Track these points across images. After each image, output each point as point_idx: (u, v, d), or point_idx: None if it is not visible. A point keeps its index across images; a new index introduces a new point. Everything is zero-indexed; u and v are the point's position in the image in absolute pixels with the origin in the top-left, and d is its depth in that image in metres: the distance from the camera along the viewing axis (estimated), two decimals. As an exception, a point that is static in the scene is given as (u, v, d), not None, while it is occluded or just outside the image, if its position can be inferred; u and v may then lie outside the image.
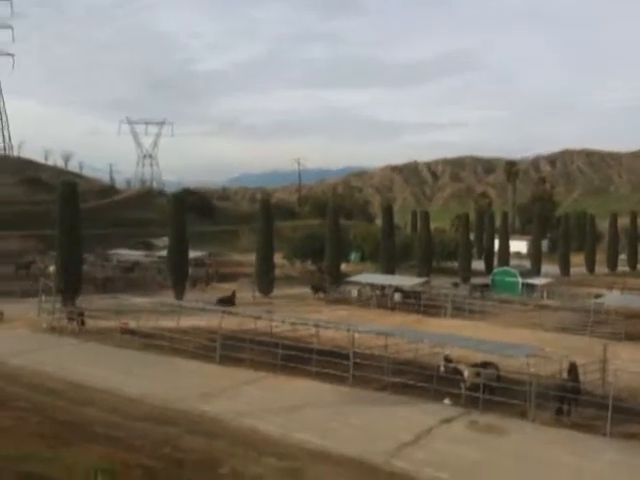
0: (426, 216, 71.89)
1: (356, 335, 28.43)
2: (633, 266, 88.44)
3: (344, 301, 51.31)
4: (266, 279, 53.01)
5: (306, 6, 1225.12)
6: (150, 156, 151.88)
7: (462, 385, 24.55)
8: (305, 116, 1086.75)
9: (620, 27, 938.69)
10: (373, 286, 52.93)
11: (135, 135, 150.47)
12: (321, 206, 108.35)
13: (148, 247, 76.60)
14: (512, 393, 23.53)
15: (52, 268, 47.52)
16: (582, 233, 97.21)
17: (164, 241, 65.76)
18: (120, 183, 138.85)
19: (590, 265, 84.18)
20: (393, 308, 48.41)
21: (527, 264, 77.77)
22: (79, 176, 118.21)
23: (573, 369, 23.67)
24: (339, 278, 56.60)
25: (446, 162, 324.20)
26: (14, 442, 12.83)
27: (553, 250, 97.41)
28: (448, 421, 22.10)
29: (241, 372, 28.10)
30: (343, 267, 62.55)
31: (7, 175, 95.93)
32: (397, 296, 50.27)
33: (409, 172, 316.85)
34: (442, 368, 25.17)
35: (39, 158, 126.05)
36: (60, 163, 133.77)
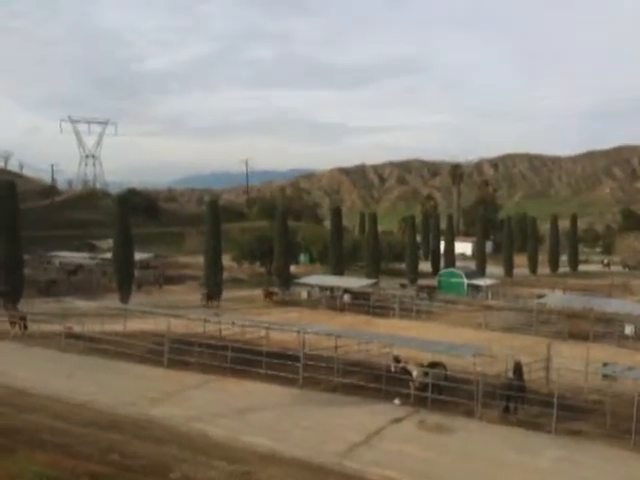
0: (374, 218, 72.48)
1: (306, 336, 28.44)
2: (574, 267, 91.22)
3: (294, 303, 51.29)
4: (214, 281, 52.49)
5: (251, 3, 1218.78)
6: (93, 156, 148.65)
7: (411, 385, 24.84)
8: (252, 117, 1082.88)
9: (560, 34, 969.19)
10: (323, 287, 53.08)
11: (77, 134, 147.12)
12: (269, 208, 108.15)
13: (92, 249, 75.02)
14: (460, 392, 23.95)
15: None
16: (524, 235, 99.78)
17: (108, 243, 64.46)
18: (62, 183, 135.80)
19: (532, 266, 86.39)
20: (342, 309, 48.67)
21: (472, 265, 79.27)
22: (19, 176, 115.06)
23: (518, 368, 24.25)
24: (288, 280, 56.53)
25: (393, 165, 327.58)
26: (-47, 452, 12.32)
27: (497, 251, 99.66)
28: (398, 421, 22.31)
29: (189, 376, 27.74)
30: (292, 269, 62.58)
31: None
32: (346, 297, 50.59)
33: (357, 175, 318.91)
34: (392, 368, 25.40)
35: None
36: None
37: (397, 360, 25.73)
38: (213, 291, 49.92)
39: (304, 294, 53.30)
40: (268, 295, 52.71)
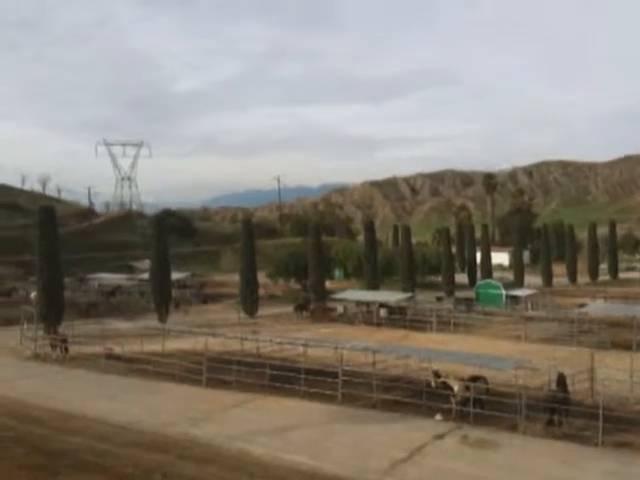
0: (407, 231, 72.08)
1: (344, 352, 28.30)
2: (614, 275, 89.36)
3: (330, 318, 51.12)
4: (250, 299, 52.76)
5: (280, 23, 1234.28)
6: (128, 178, 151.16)
7: (452, 400, 24.50)
8: (283, 134, 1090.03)
9: (589, 37, 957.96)
10: (358, 303, 52.85)
11: (113, 157, 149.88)
12: (302, 224, 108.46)
13: (130, 270, 76.07)
14: (502, 406, 23.52)
15: (33, 294, 46.90)
16: (561, 243, 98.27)
17: (146, 264, 65.34)
18: (99, 206, 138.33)
19: (572, 275, 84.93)
20: (379, 324, 48.34)
21: (509, 276, 78.22)
22: (57, 200, 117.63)
23: (561, 380, 23.73)
24: (324, 295, 56.47)
25: (425, 176, 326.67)
26: (2, 474, 12.51)
27: (534, 261, 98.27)
28: (440, 437, 21.98)
29: (228, 395, 27.80)
30: (327, 284, 62.49)
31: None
32: (382, 312, 50.26)
33: (388, 187, 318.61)
34: (432, 383, 25.09)
35: (15, 182, 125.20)
36: (37, 187, 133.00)
37: (437, 375, 25.43)
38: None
39: (340, 309, 53.11)
40: (300, 310, 52.38)
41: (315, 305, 53.33)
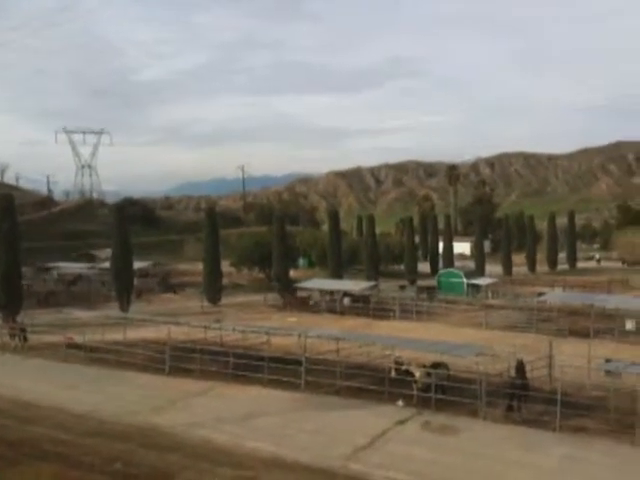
0: (371, 220, 72.45)
1: (308, 340, 28.39)
2: (572, 264, 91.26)
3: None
4: (214, 288, 52.47)
5: (249, 12, 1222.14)
6: (89, 166, 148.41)
7: (414, 386, 24.80)
8: (248, 123, 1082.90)
9: (556, 32, 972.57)
10: (322, 291, 53.00)
11: (73, 145, 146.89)
12: (267, 213, 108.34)
13: (90, 259, 74.93)
14: (463, 392, 23.92)
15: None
16: (522, 233, 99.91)
17: (107, 252, 64.43)
18: (58, 194, 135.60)
19: (531, 264, 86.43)
20: (342, 313, 48.57)
21: (471, 265, 79.27)
22: (15, 188, 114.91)
23: (521, 366, 24.20)
24: (288, 284, 56.47)
25: (389, 167, 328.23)
26: (-43, 466, 12.30)
27: (495, 250, 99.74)
28: (402, 422, 22.27)
29: (192, 383, 27.69)
30: (292, 273, 62.50)
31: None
32: (346, 300, 50.52)
33: (353, 177, 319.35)
34: (393, 373, 25.29)
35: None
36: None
37: (398, 363, 25.65)
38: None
39: (314, 299, 53.00)
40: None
41: (291, 295, 53.23)
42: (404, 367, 25.38)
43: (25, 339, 35.10)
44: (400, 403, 24.28)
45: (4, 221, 41.92)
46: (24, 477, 10.86)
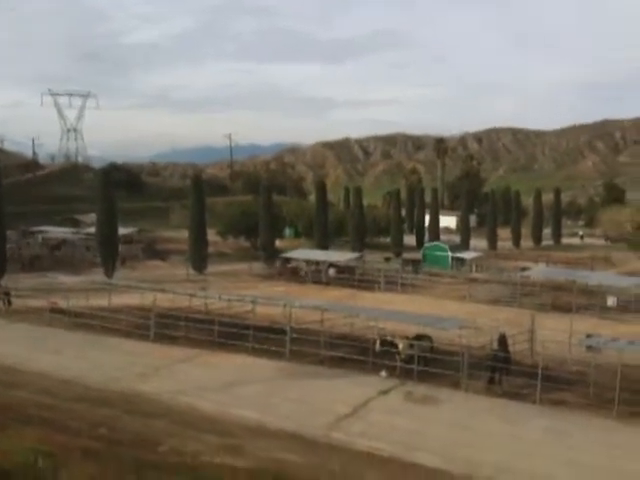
0: (358, 192, 72.36)
1: (293, 310, 28.52)
2: (557, 240, 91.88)
3: (277, 277, 51.25)
4: (199, 256, 52.38)
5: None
6: (74, 130, 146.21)
7: (397, 357, 25.05)
8: (236, 90, 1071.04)
9: (546, 6, 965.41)
10: (308, 261, 53.10)
11: (59, 108, 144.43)
12: (253, 182, 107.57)
13: (75, 224, 74.27)
14: (445, 364, 24.24)
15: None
16: (508, 208, 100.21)
17: (91, 218, 63.94)
18: (43, 158, 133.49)
19: (516, 239, 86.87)
20: (328, 283, 48.78)
21: (456, 239, 79.61)
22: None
23: (503, 340, 24.53)
24: (274, 254, 56.49)
25: (377, 139, 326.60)
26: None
27: (481, 225, 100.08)
28: (384, 393, 22.55)
29: (176, 350, 27.81)
30: (278, 243, 62.50)
31: None
32: (332, 271, 50.68)
33: (341, 149, 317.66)
34: (378, 346, 25.39)
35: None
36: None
37: (383, 340, 25.64)
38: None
39: (304, 269, 53.05)
40: (291, 272, 51.73)
41: (282, 265, 53.24)
42: (388, 338, 25.59)
43: (9, 303, 34.95)
44: (383, 374, 24.54)
45: (-13, 184, 41.40)
46: (10, 441, 10.90)
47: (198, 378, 24.03)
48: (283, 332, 27.60)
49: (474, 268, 60.04)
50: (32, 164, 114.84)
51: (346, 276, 50.06)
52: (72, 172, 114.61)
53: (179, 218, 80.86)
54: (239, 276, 51.18)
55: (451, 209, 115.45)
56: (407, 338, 25.68)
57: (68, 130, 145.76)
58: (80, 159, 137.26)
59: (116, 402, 20.96)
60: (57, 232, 65.94)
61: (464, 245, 73.37)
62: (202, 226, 53.73)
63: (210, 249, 55.90)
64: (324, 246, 60.74)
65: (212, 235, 61.20)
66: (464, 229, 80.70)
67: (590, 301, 41.07)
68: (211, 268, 52.70)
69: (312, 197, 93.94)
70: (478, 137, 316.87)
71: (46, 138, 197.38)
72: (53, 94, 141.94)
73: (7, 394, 20.92)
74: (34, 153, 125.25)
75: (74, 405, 20.25)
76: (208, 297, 33.97)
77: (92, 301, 34.09)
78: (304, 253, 55.47)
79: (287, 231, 79.11)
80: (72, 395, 21.41)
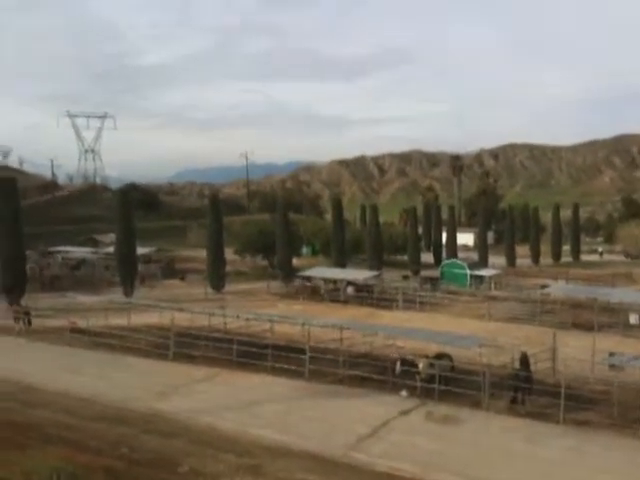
0: (375, 210, 72.27)
1: (311, 329, 28.42)
2: (576, 257, 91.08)
3: (296, 295, 51.17)
4: (217, 275, 52.50)
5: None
6: (92, 150, 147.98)
7: (417, 377, 24.82)
8: (251, 110, 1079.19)
9: (560, 20, 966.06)
10: (326, 280, 52.99)
11: (76, 129, 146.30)
12: (270, 201, 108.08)
13: (94, 244, 74.92)
14: (466, 383, 23.95)
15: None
16: (526, 225, 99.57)
17: (110, 237, 64.44)
18: (62, 179, 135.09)
19: (535, 256, 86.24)
20: (346, 302, 48.58)
21: (474, 256, 79.16)
22: (19, 172, 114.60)
23: (525, 359, 24.21)
24: (291, 272, 56.47)
25: (392, 156, 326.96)
26: (-35, 448, 12.36)
27: (499, 242, 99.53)
28: (405, 413, 22.31)
29: (195, 369, 27.78)
30: (295, 261, 62.49)
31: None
32: (349, 289, 50.50)
33: (356, 166, 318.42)
34: (398, 367, 25.09)
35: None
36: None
37: (403, 362, 25.42)
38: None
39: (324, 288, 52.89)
40: (311, 291, 51.47)
41: (302, 284, 53.18)
42: (408, 357, 25.38)
43: (29, 323, 35.15)
44: (404, 393, 24.31)
45: (7, 204, 41.83)
46: (33, 460, 10.89)
47: (217, 397, 23.95)
48: (302, 351, 27.47)
49: (493, 286, 59.58)
50: (51, 185, 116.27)
51: (364, 294, 49.86)
52: (90, 193, 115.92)
53: (196, 237, 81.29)
54: (257, 295, 51.18)
55: (468, 226, 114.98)
56: (427, 357, 25.45)
57: (86, 151, 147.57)
58: (98, 180, 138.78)
59: (135, 421, 20.93)
60: (76, 252, 66.46)
61: (482, 262, 72.92)
62: (220, 245, 53.92)
63: (228, 268, 56.03)
64: (341, 264, 60.66)
65: (229, 254, 61.41)
66: (482, 246, 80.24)
67: (612, 319, 40.53)
68: (229, 287, 52.78)
69: (328, 215, 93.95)
70: (494, 153, 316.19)
71: (64, 159, 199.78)
72: (71, 116, 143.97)
73: (28, 413, 20.99)
74: (53, 174, 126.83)
75: (93, 424, 20.24)
76: (226, 316, 33.95)
77: (111, 320, 34.22)
78: (322, 271, 55.41)
79: (304, 249, 79.11)
80: (91, 414, 21.41)
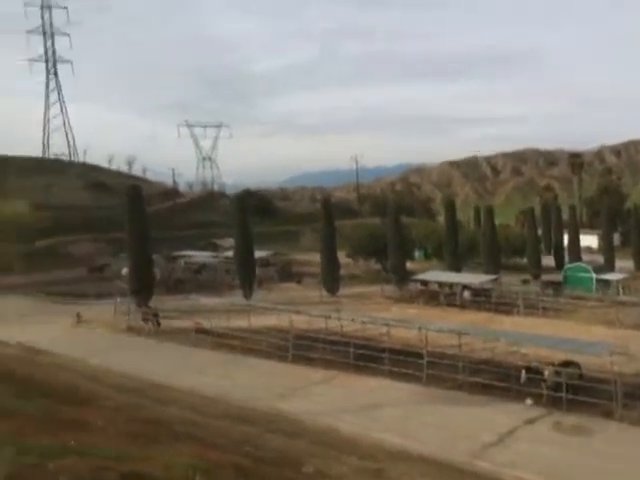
0: (490, 211, 70.20)
1: (428, 334, 28.05)
2: None
3: (411, 299, 50.68)
4: (332, 278, 52.98)
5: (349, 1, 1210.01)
6: (210, 159, 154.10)
7: (543, 385, 23.87)
8: (359, 113, 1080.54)
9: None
10: (441, 284, 52.13)
11: (195, 138, 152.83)
12: (381, 204, 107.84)
13: (214, 248, 77.76)
14: (596, 393, 22.77)
15: (125, 270, 48.61)
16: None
17: (229, 242, 66.56)
18: (182, 186, 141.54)
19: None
20: (463, 306, 47.56)
21: (598, 259, 75.20)
22: (142, 180, 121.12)
23: (660, 367, 22.73)
24: (405, 276, 56.02)
25: (506, 156, 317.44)
26: (108, 441, 13.07)
27: (625, 244, 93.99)
28: (531, 422, 21.55)
29: (314, 371, 28.18)
30: (408, 265, 61.94)
31: (73, 180, 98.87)
32: (466, 294, 49.39)
33: (468, 167, 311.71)
34: (523, 376, 24.23)
35: (103, 163, 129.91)
36: (123, 167, 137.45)
37: (528, 369, 24.55)
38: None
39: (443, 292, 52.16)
40: (430, 295, 50.42)
41: (418, 288, 52.75)
42: (533, 364, 24.48)
43: (158, 323, 36.99)
44: (529, 402, 23.47)
45: (135, 211, 44.16)
46: (170, 456, 11.41)
47: (335, 399, 24.15)
48: (419, 356, 27.17)
49: (621, 290, 56.31)
50: (172, 192, 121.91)
51: (482, 299, 48.58)
52: (209, 199, 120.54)
53: (309, 241, 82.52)
54: (371, 298, 51.17)
55: (590, 227, 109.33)
56: (553, 365, 24.42)
57: (203, 159, 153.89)
58: (216, 186, 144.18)
59: (258, 420, 21.45)
60: (198, 256, 69.26)
61: (608, 266, 69.11)
62: (333, 249, 54.38)
63: (341, 271, 56.44)
64: (456, 268, 59.41)
65: (342, 257, 61.87)
66: (607, 248, 76.03)
67: None
68: (343, 290, 53.14)
69: (440, 218, 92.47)
70: (616, 150, 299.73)
71: (182, 167, 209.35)
72: (189, 125, 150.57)
73: (157, 409, 21.98)
74: (174, 182, 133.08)
75: (218, 422, 20.91)
76: (342, 319, 34.19)
77: (232, 322, 35.35)
78: (436, 275, 54.57)
79: (417, 253, 78.27)
80: (216, 412, 22.16)
